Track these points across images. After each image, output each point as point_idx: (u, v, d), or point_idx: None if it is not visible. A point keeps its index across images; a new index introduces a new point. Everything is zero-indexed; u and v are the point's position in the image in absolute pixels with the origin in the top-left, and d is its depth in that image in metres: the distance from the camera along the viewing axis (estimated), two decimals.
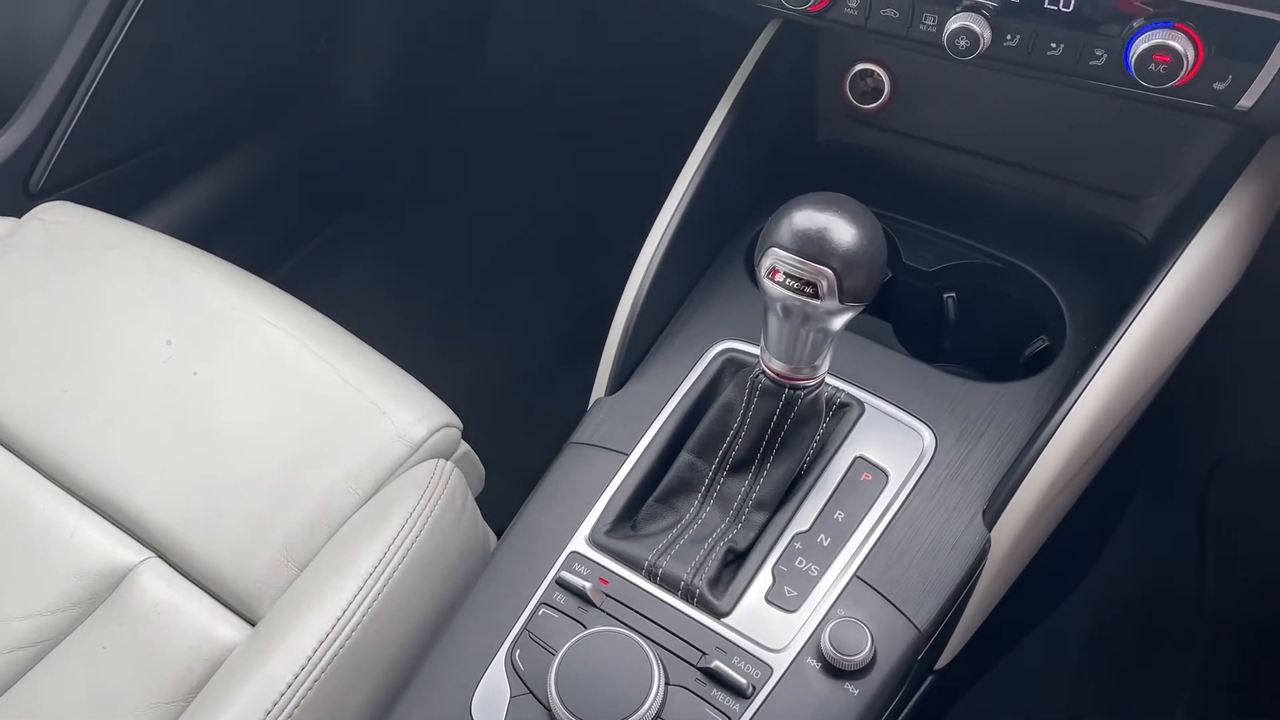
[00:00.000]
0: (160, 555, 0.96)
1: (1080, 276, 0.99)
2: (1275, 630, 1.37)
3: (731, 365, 0.93)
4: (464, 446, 1.02)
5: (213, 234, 1.64)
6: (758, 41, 1.08)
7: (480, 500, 1.06)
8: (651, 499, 0.86)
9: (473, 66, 1.97)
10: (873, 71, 1.08)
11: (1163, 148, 0.97)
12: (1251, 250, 0.95)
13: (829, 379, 0.89)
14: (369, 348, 1.06)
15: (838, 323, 0.76)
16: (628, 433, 0.89)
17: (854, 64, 1.08)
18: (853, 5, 0.86)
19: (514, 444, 1.45)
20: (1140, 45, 0.75)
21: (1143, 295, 0.86)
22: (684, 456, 0.86)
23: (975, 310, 1.04)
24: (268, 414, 0.99)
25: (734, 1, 0.92)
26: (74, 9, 1.41)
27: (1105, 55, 0.78)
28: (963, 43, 0.81)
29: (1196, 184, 0.96)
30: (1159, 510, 1.47)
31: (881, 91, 1.08)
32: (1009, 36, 0.81)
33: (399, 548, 0.87)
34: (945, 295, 1.04)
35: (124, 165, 1.52)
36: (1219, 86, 0.76)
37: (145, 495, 0.97)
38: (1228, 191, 0.89)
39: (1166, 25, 0.75)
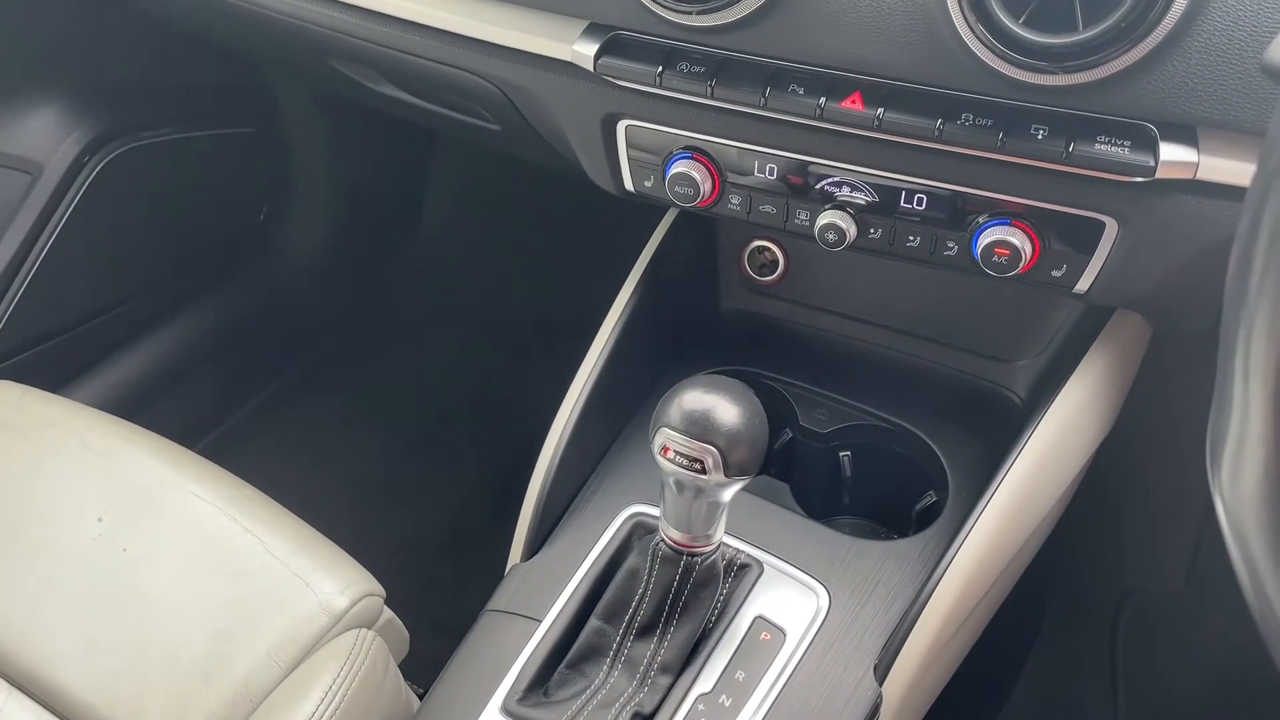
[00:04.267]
0: None
1: (962, 436, 1.06)
2: None
3: (640, 529, 0.98)
4: (387, 614, 1.06)
5: (150, 399, 1.69)
6: (662, 223, 1.18)
7: (413, 658, 1.08)
8: (563, 665, 0.90)
9: (408, 234, 2.08)
10: (768, 248, 1.18)
11: (1028, 316, 1.07)
12: (1115, 405, 1.03)
13: (732, 540, 0.95)
14: (295, 518, 1.10)
15: (726, 494, 0.82)
16: (541, 599, 0.94)
17: (751, 241, 1.18)
18: (735, 202, 0.95)
19: (446, 601, 1.48)
20: (984, 239, 0.85)
21: (1010, 455, 0.94)
22: (593, 622, 0.90)
23: (869, 468, 1.11)
24: (194, 589, 1.02)
25: (637, 194, 1.01)
26: (21, 190, 1.49)
27: (956, 248, 0.88)
28: (831, 236, 0.90)
29: (1061, 348, 1.06)
30: (1070, 645, 1.53)
31: (777, 265, 1.18)
32: (872, 230, 0.90)
33: None
34: (841, 454, 1.11)
35: (64, 337, 1.57)
36: (1056, 274, 0.86)
37: (71, 673, 0.99)
38: (1083, 357, 0.98)
39: (1005, 223, 0.84)
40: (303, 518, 1.11)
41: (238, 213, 1.84)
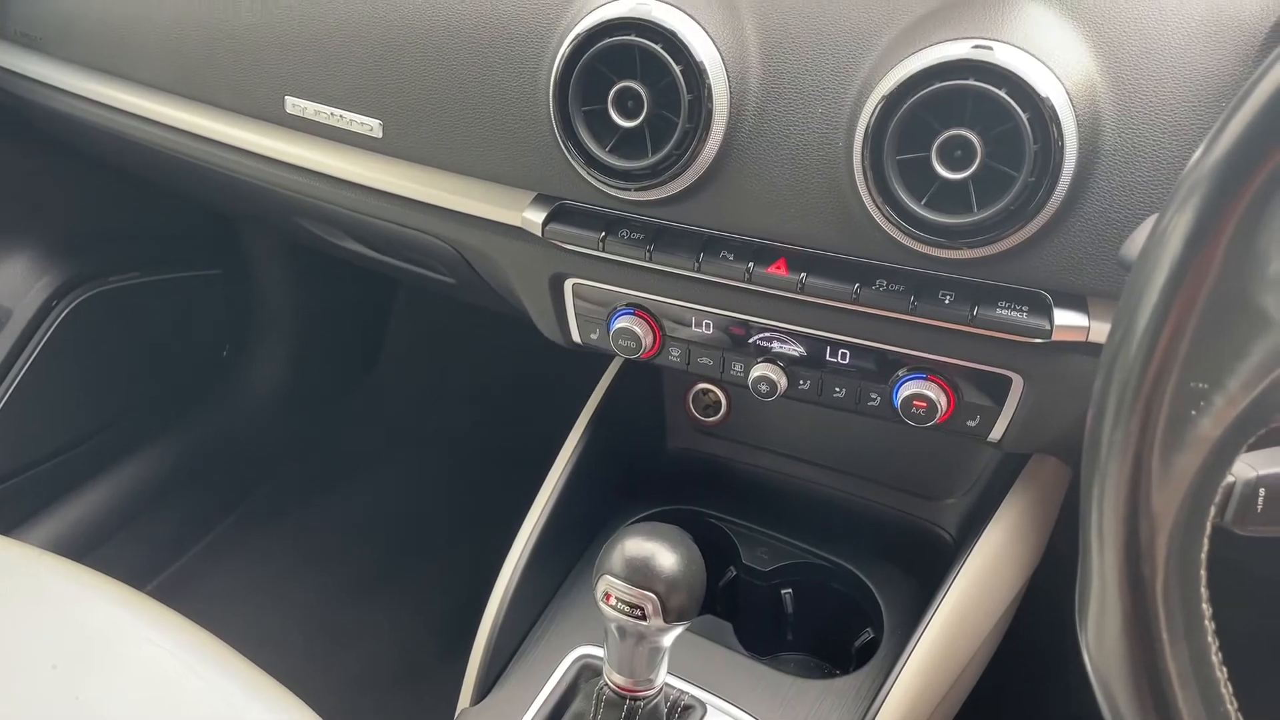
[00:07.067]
0: None
1: (897, 573, 1.11)
2: None
3: (587, 671, 1.01)
4: None
5: (106, 537, 1.69)
6: (610, 367, 1.24)
7: None
8: None
9: (367, 370, 2.13)
10: (711, 390, 1.24)
11: (955, 457, 1.13)
12: (1040, 540, 1.08)
13: (675, 681, 0.99)
14: (248, 662, 1.11)
15: (667, 639, 0.86)
16: None
17: (695, 384, 1.24)
18: (675, 354, 1.01)
19: None
20: (904, 392, 0.91)
21: (939, 593, 0.99)
22: None
23: (811, 605, 1.15)
24: None
25: (584, 345, 1.07)
26: None
27: (879, 399, 0.94)
28: (764, 387, 0.96)
29: (986, 487, 1.12)
30: None
31: (720, 406, 1.24)
32: (801, 382, 0.96)
33: None
34: (783, 591, 1.15)
35: (22, 477, 1.58)
36: (971, 424, 0.92)
37: None
38: (1005, 497, 1.04)
39: (921, 377, 0.91)
40: (256, 658, 1.12)
41: (201, 350, 1.89)
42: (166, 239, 1.78)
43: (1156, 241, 0.46)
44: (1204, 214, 0.44)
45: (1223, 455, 0.46)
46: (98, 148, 1.41)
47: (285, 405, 1.98)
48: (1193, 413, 0.45)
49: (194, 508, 1.86)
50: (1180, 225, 0.45)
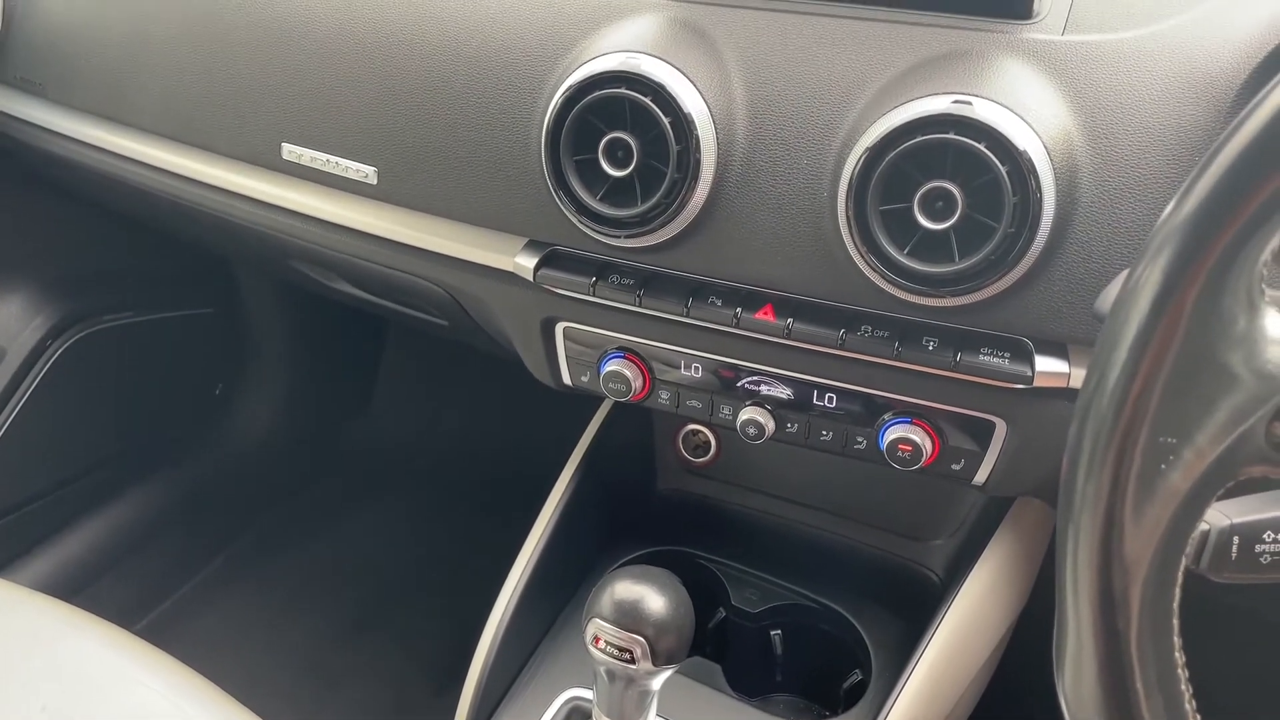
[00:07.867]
0: None
1: (884, 614, 1.12)
2: None
3: (577, 714, 1.02)
4: None
5: (97, 575, 1.69)
6: (600, 408, 1.25)
7: None
8: None
9: (358, 409, 2.14)
10: (700, 431, 1.25)
11: (942, 498, 1.14)
12: (1026, 583, 1.09)
13: None
14: (240, 706, 1.11)
15: (656, 682, 0.86)
16: None
17: (685, 425, 1.26)
18: (665, 397, 1.02)
19: None
20: (889, 436, 0.92)
21: (926, 634, 0.99)
22: None
23: (800, 646, 1.16)
24: None
25: (575, 388, 1.08)
26: None
27: (865, 442, 0.95)
28: (752, 430, 0.97)
29: (972, 529, 1.13)
30: None
31: (710, 447, 1.25)
32: (789, 425, 0.98)
33: None
34: (772, 633, 1.16)
35: (15, 515, 1.58)
36: (956, 468, 0.93)
37: None
38: (990, 539, 1.05)
39: (906, 421, 0.92)
40: (247, 699, 1.12)
41: (194, 389, 1.90)
42: (160, 278, 1.79)
43: (1127, 297, 0.48)
44: (1172, 272, 0.46)
45: (1193, 507, 0.47)
46: (95, 190, 1.43)
47: (277, 444, 1.99)
48: (1163, 466, 0.47)
49: (184, 547, 1.86)
50: (1150, 282, 0.46)
